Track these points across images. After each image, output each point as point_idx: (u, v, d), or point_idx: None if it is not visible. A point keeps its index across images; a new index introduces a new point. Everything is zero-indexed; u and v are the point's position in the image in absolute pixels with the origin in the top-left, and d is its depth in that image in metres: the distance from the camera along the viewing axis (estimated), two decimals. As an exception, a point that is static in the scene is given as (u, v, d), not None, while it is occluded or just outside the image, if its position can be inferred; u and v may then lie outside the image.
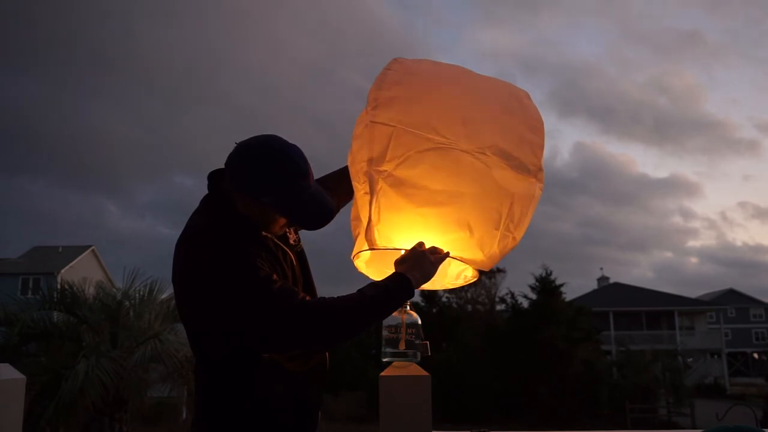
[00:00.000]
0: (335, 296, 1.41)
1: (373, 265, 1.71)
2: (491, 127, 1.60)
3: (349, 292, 1.43)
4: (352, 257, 1.69)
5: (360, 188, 1.58)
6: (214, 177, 1.53)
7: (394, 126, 1.53)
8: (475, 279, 1.72)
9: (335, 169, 1.84)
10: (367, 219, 1.53)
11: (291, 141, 1.51)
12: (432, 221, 1.54)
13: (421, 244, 1.52)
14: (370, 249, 1.57)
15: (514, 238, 1.64)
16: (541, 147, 1.68)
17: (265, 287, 1.35)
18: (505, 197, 1.57)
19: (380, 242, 1.55)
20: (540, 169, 1.67)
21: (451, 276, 1.75)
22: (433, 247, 1.54)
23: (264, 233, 1.51)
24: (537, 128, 1.70)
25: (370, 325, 1.43)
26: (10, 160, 48.89)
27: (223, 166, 1.48)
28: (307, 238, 1.76)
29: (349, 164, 1.68)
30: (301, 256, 1.65)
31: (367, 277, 1.69)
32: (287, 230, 1.61)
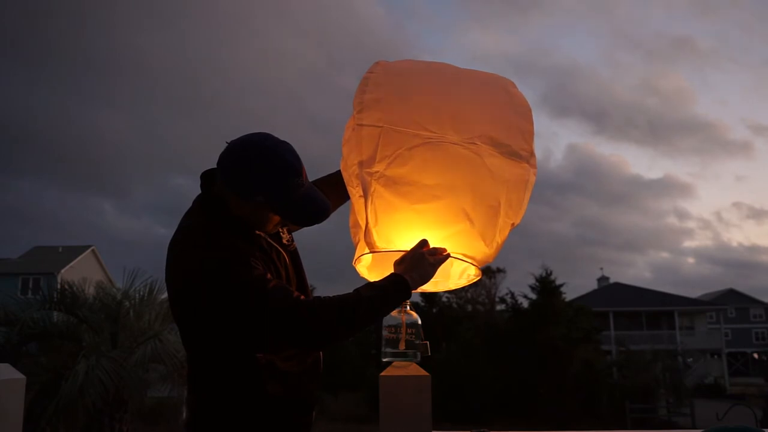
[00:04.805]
0: (331, 296, 1.41)
1: (376, 270, 1.70)
2: (479, 117, 1.60)
3: (346, 292, 1.42)
4: (353, 263, 1.68)
5: (354, 192, 1.58)
6: (207, 177, 1.52)
7: (381, 126, 1.53)
8: (479, 277, 1.71)
9: (331, 170, 1.84)
10: (364, 222, 1.53)
11: (291, 145, 1.50)
12: (430, 216, 1.54)
13: (422, 243, 1.52)
14: (371, 252, 1.57)
15: (513, 223, 1.64)
16: (531, 133, 1.67)
17: (260, 286, 1.34)
18: (500, 184, 1.57)
19: (380, 244, 1.54)
20: (532, 155, 1.66)
21: (454, 276, 1.74)
22: (434, 248, 1.53)
23: (257, 232, 1.51)
24: (525, 114, 1.69)
25: (367, 325, 1.42)
26: (10, 160, 48.88)
27: (216, 166, 1.48)
28: (302, 238, 1.76)
29: (341, 171, 1.68)
30: (294, 255, 1.65)
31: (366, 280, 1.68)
32: (280, 230, 1.61)
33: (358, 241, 1.62)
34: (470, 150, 1.54)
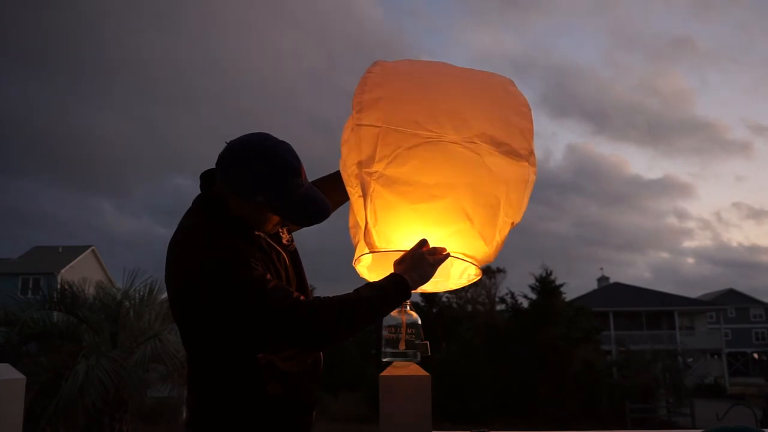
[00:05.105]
0: (331, 296, 1.41)
1: (376, 270, 1.70)
2: (478, 116, 1.60)
3: (346, 292, 1.42)
4: (353, 263, 1.68)
5: (354, 192, 1.58)
6: (207, 177, 1.52)
7: (380, 126, 1.52)
8: (479, 277, 1.70)
9: (331, 170, 1.84)
10: (364, 222, 1.53)
11: (291, 145, 1.50)
12: (430, 216, 1.54)
13: (422, 243, 1.52)
14: (371, 252, 1.57)
15: (513, 222, 1.64)
16: (531, 131, 1.67)
17: (260, 286, 1.34)
18: (499, 183, 1.56)
19: (380, 244, 1.54)
20: (531, 153, 1.66)
21: (454, 276, 1.74)
22: (434, 248, 1.53)
23: (257, 233, 1.51)
24: (524, 113, 1.69)
25: (367, 326, 1.42)
26: (10, 160, 48.90)
27: (215, 166, 1.48)
28: (303, 238, 1.76)
29: (341, 171, 1.68)
30: (294, 256, 1.65)
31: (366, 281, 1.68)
32: (280, 230, 1.61)
33: (358, 241, 1.62)
34: (470, 149, 1.54)
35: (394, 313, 1.59)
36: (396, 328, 1.61)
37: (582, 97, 65.00)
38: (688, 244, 73.11)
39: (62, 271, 27.37)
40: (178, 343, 8.22)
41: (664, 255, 73.06)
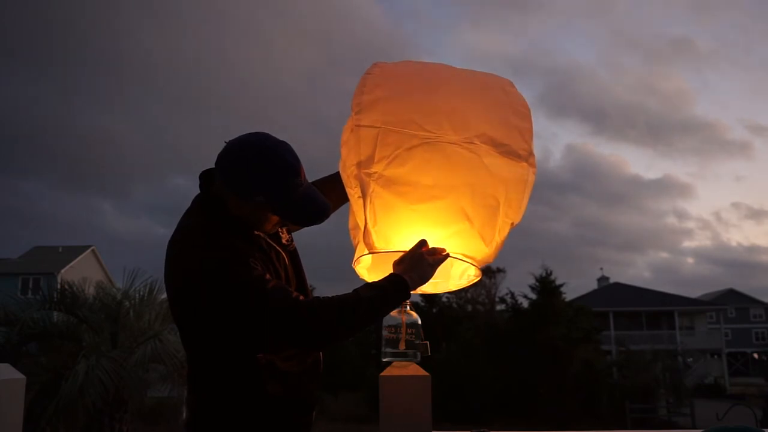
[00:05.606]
0: (330, 296, 1.41)
1: (375, 271, 1.70)
2: (477, 117, 1.60)
3: (345, 292, 1.42)
4: (353, 264, 1.68)
5: (353, 193, 1.58)
6: (206, 177, 1.52)
7: (379, 127, 1.53)
8: (479, 278, 1.71)
9: (331, 170, 1.83)
10: (363, 223, 1.53)
11: (290, 145, 1.50)
12: (429, 216, 1.54)
13: (421, 243, 1.52)
14: (370, 253, 1.57)
15: (512, 223, 1.64)
16: (530, 132, 1.67)
17: (259, 286, 1.34)
18: (499, 184, 1.57)
19: (379, 245, 1.54)
20: (531, 154, 1.66)
21: (454, 277, 1.74)
22: (433, 248, 1.53)
23: (256, 232, 1.51)
24: (524, 114, 1.69)
25: (366, 326, 1.42)
26: (10, 160, 48.91)
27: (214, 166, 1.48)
28: (302, 238, 1.76)
29: (340, 171, 1.68)
30: (293, 255, 1.65)
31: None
32: (279, 230, 1.61)
33: (358, 243, 1.62)
34: (469, 150, 1.54)
35: (394, 313, 1.59)
36: (396, 328, 1.61)
37: (581, 98, 65.06)
38: (687, 244, 73.22)
39: (62, 271, 27.37)
40: (178, 343, 8.21)
41: (664, 255, 73.14)
